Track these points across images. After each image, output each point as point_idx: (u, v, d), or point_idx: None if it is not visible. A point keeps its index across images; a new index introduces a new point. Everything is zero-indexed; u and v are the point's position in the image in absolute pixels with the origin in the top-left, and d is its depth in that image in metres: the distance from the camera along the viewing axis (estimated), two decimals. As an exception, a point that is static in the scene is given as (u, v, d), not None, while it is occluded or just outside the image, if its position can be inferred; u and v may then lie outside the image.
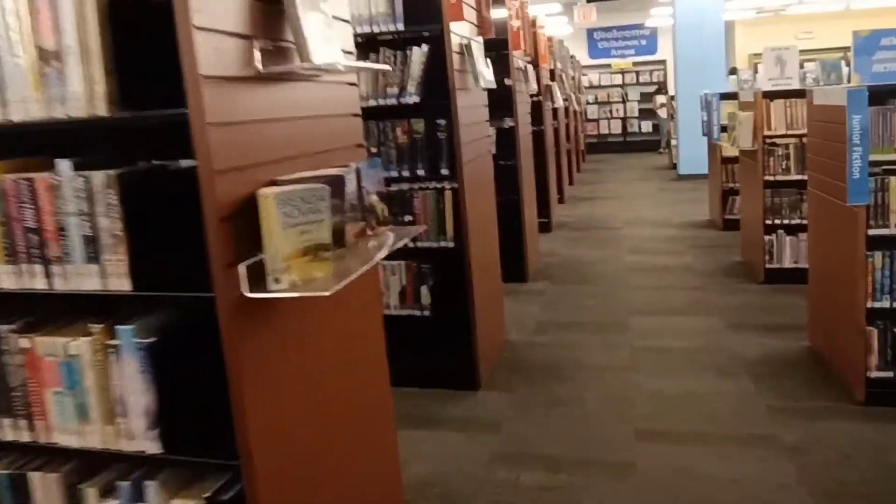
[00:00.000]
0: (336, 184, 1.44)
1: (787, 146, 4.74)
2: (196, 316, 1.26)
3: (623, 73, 16.51)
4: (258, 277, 1.29)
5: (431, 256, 3.41)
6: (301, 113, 1.58)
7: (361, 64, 1.72)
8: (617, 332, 4.10)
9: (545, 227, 7.20)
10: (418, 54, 3.20)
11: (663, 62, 16.15)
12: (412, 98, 3.21)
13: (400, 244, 1.86)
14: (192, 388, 1.34)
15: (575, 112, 12.35)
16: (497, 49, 5.19)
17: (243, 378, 1.26)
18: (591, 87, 16.57)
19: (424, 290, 3.39)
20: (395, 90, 3.24)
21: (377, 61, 3.24)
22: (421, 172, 3.31)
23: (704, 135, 7.28)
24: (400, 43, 3.34)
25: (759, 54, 16.54)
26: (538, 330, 4.25)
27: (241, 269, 1.26)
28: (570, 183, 10.59)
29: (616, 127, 16.60)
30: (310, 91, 1.65)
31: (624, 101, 16.49)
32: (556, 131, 8.88)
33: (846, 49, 14.39)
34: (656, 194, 9.51)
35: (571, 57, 12.70)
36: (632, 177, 11.70)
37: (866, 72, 3.05)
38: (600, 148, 16.33)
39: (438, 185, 3.33)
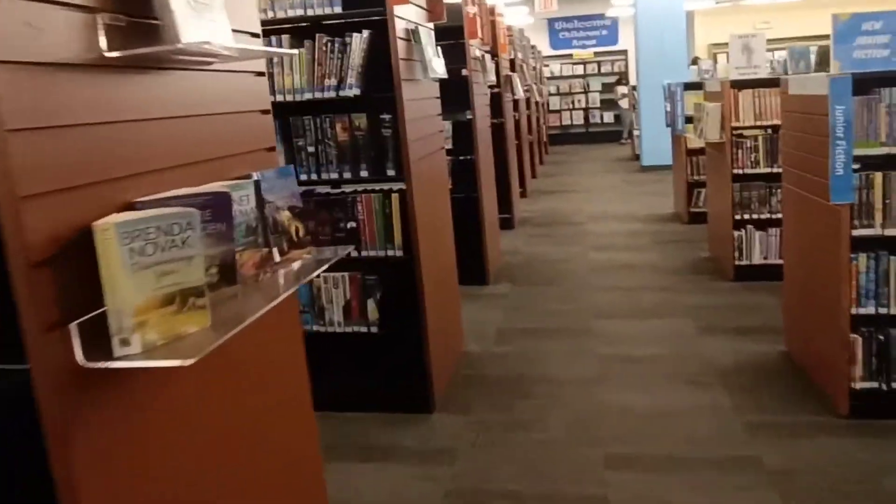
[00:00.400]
0: (216, 204, 1.10)
1: (755, 138, 4.52)
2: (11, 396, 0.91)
3: (585, 63, 16.33)
4: (105, 338, 0.95)
5: (378, 266, 3.08)
6: (180, 110, 1.23)
7: (249, 47, 1.37)
8: (582, 339, 3.83)
9: (507, 224, 6.92)
10: (358, 41, 2.85)
11: (624, 52, 16.02)
12: (353, 90, 2.87)
13: (320, 270, 1.53)
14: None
15: (537, 103, 12.10)
16: (452, 37, 4.87)
17: (81, 483, 0.91)
18: (553, 77, 16.36)
19: (371, 304, 3.05)
20: (334, 82, 2.89)
21: (312, 49, 2.88)
22: (364, 173, 2.97)
23: (668, 126, 7.08)
24: (339, 29, 2.99)
25: (719, 44, 16.49)
26: (499, 339, 3.96)
27: (74, 329, 0.91)
28: (533, 176, 10.34)
29: (578, 118, 16.43)
30: (195, 82, 1.30)
31: (586, 92, 16.32)
32: (518, 123, 8.60)
33: (803, 39, 14.47)
34: (620, 187, 9.31)
35: (532, 47, 12.44)
36: (595, 169, 11.51)
37: (846, 59, 2.81)
38: (563, 139, 16.14)
39: (384, 187, 2.99)
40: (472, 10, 4.74)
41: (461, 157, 5.11)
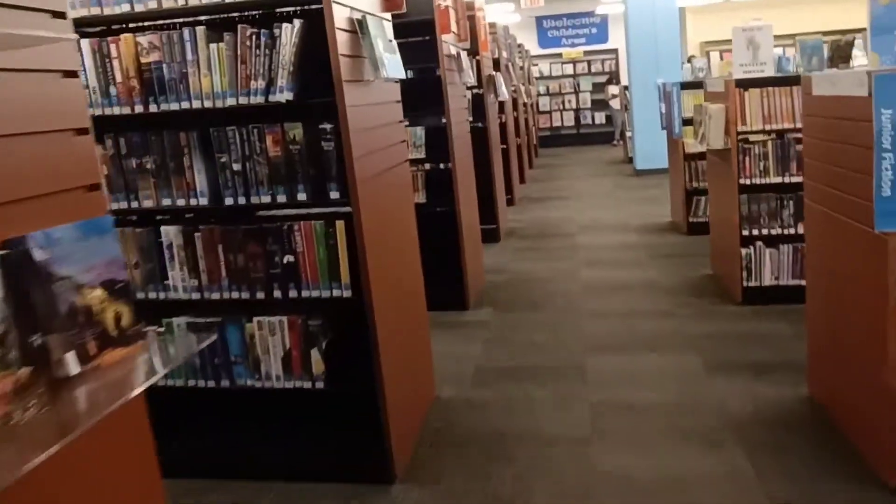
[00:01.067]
0: None
1: (764, 144, 4.01)
2: None
3: (574, 62, 15.85)
4: None
5: (323, 309, 2.54)
6: None
7: (21, 32, 0.83)
8: (572, 381, 3.31)
9: (492, 236, 6.40)
10: (290, 34, 2.32)
11: (615, 51, 15.54)
12: (284, 94, 2.33)
13: (159, 376, 0.99)
14: None
15: (525, 104, 11.59)
16: (421, 32, 4.34)
17: None
18: (542, 77, 15.86)
19: (315, 354, 2.52)
20: (262, 84, 2.35)
21: (234, 43, 2.34)
22: (302, 196, 2.43)
23: (663, 129, 6.57)
24: (267, 19, 2.45)
25: (712, 42, 16.04)
26: (477, 380, 3.43)
27: None
28: (522, 181, 9.83)
29: (569, 119, 15.94)
30: None
31: (576, 92, 15.83)
32: (504, 126, 8.09)
33: (798, 36, 14.04)
34: (613, 193, 8.81)
35: (519, 46, 11.92)
36: (587, 172, 11.01)
37: (887, 51, 2.30)
38: (554, 141, 15.64)
39: (327, 212, 2.46)
40: (443, 1, 4.21)
41: (437, 167, 4.60)
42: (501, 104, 7.84)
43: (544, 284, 4.96)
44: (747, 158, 4.01)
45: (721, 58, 15.06)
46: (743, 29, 4.18)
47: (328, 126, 2.36)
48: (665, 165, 8.22)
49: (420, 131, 4.31)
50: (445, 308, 4.47)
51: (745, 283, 4.13)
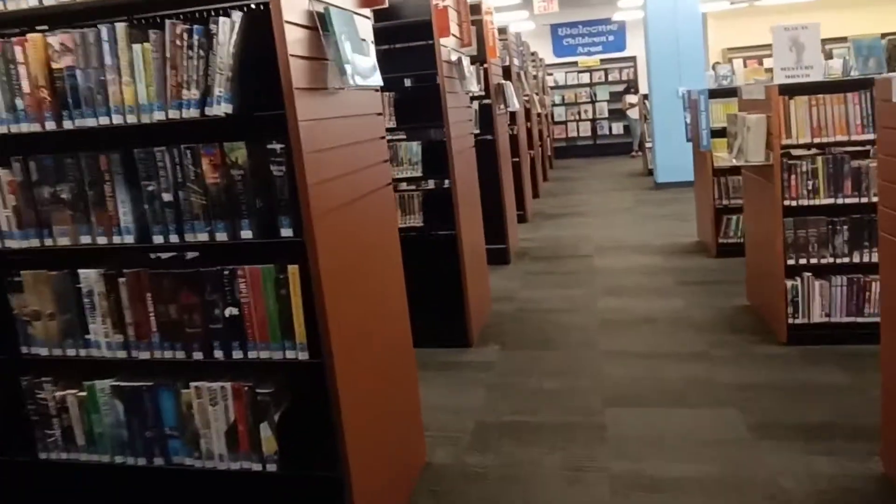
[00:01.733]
0: None
1: (813, 160, 3.47)
2: None
3: (591, 71, 15.32)
4: None
5: (275, 374, 2.04)
6: None
7: None
8: (588, 444, 2.77)
9: (501, 258, 5.88)
10: (228, 30, 1.83)
11: (633, 59, 15.01)
12: (223, 106, 1.84)
13: None
14: None
15: (539, 115, 11.09)
16: (418, 36, 3.87)
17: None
18: (558, 87, 15.36)
19: (266, 429, 2.01)
20: (196, 93, 1.87)
21: (161, 43, 1.86)
22: (248, 234, 1.94)
23: (689, 141, 6.04)
24: (202, 14, 1.98)
25: (735, 49, 15.45)
26: (477, 440, 2.90)
27: None
28: (535, 196, 9.32)
29: (585, 129, 15.40)
30: None
31: (593, 102, 15.30)
32: (516, 138, 7.59)
33: (826, 42, 13.41)
34: (633, 208, 8.25)
35: (533, 54, 11.44)
36: (604, 186, 10.45)
37: None
38: (569, 152, 15.11)
39: (278, 252, 1.96)
40: (443, 1, 3.72)
41: (437, 185, 4.10)
42: (512, 115, 7.35)
43: (558, 316, 4.43)
44: (793, 176, 3.47)
45: (745, 65, 14.51)
46: (785, 28, 3.64)
47: (278, 146, 1.86)
48: (688, 178, 7.65)
49: (416, 147, 3.82)
50: (445, 345, 3.97)
51: (790, 320, 3.57)
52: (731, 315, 4.15)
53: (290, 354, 1.95)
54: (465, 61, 4.01)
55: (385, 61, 4.13)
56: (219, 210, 1.93)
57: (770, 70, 12.13)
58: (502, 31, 7.16)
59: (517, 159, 7.66)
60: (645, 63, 9.89)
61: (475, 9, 5.44)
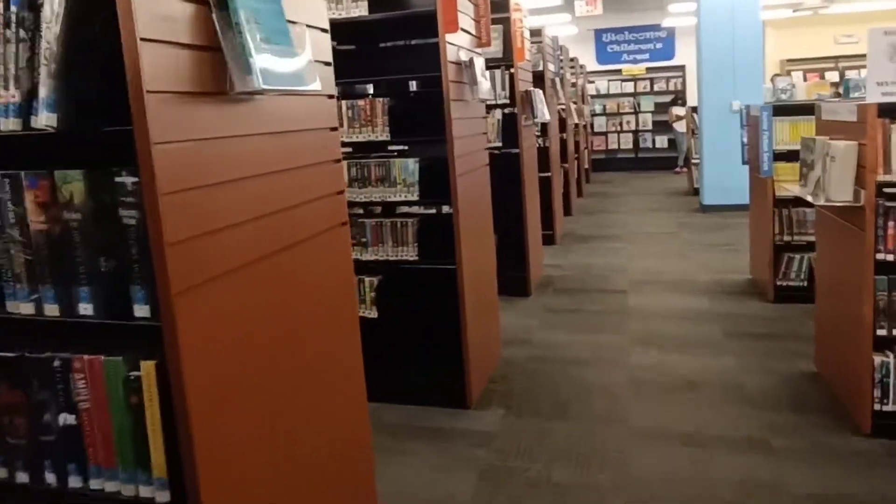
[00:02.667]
0: None
1: (918, 201, 2.68)
2: None
3: (635, 80, 14.44)
4: None
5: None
6: None
7: None
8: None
9: (520, 288, 5.18)
10: (54, 7, 1.19)
11: (682, 68, 14.09)
12: (44, 116, 1.19)
13: None
14: None
15: (577, 125, 10.32)
16: (417, 30, 3.21)
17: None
18: (599, 95, 14.52)
19: None
20: (15, 96, 1.22)
21: (-36, 18, 1.23)
22: (86, 309, 1.28)
23: (745, 163, 5.23)
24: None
25: (794, 60, 14.35)
26: (456, 560, 2.21)
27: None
28: (568, 213, 8.56)
29: (626, 141, 14.52)
30: None
31: (636, 113, 14.41)
32: (547, 151, 6.86)
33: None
34: (676, 233, 7.42)
35: (573, 60, 10.68)
36: (644, 205, 9.62)
37: None
38: (609, 165, 14.26)
39: (133, 337, 1.30)
40: (450, -12, 3.04)
41: (437, 210, 3.43)
42: (544, 126, 6.63)
43: (580, 370, 3.69)
44: (890, 223, 2.68)
45: (805, 78, 13.47)
46: (885, 32, 2.86)
47: (129, 180, 1.20)
48: (740, 202, 6.85)
49: (413, 164, 3.14)
50: (439, 403, 3.28)
51: (876, 406, 2.78)
52: (796, 385, 3.36)
53: (144, 491, 1.29)
54: (479, 63, 3.32)
55: (380, 60, 3.46)
56: (47, 270, 1.28)
57: (835, 84, 11.14)
58: (536, 32, 6.45)
59: (548, 174, 6.94)
60: (695, 73, 9.04)
61: (500, 5, 4.76)
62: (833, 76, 13.36)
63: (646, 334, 4.22)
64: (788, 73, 13.68)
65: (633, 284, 5.39)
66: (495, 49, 4.83)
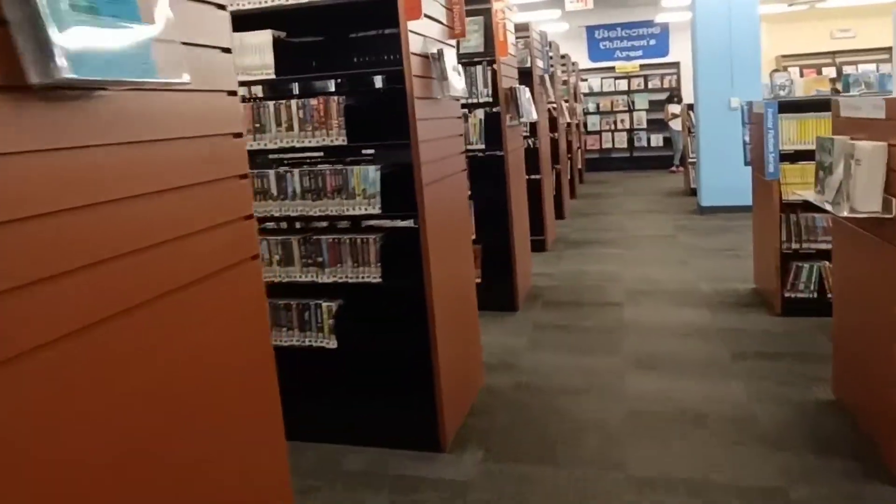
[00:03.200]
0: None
1: (960, 211, 2.28)
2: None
3: (629, 77, 14.06)
4: None
5: None
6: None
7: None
8: None
9: (507, 303, 4.78)
10: None
11: (676, 65, 13.71)
12: None
13: None
14: None
15: (570, 125, 9.92)
16: (376, 19, 2.80)
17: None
18: (592, 94, 14.13)
19: None
20: None
21: None
22: None
23: (748, 164, 4.83)
24: None
25: (790, 56, 13.96)
26: None
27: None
28: (560, 216, 8.16)
29: (621, 140, 14.14)
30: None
31: (630, 111, 14.03)
32: (536, 153, 6.47)
33: (888, 49, 11.94)
34: (673, 236, 7.03)
35: (564, 57, 10.28)
36: (640, 206, 9.23)
37: None
38: (603, 165, 13.88)
39: None
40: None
41: (404, 226, 3.02)
42: (533, 126, 6.23)
43: (571, 402, 3.29)
44: (929, 237, 2.28)
45: (801, 74, 13.10)
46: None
47: None
48: (740, 203, 6.49)
49: (373, 173, 2.73)
50: (409, 446, 2.87)
51: (913, 449, 2.38)
52: (814, 418, 2.95)
53: None
54: (450, 55, 2.91)
55: (342, 54, 3.05)
56: None
57: (834, 80, 10.75)
58: (523, 27, 6.05)
59: (538, 176, 6.55)
60: (690, 70, 8.66)
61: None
62: (830, 72, 13.01)
63: (644, 355, 3.81)
64: (784, 68, 13.32)
65: (629, 295, 4.98)
66: (475, 43, 4.43)
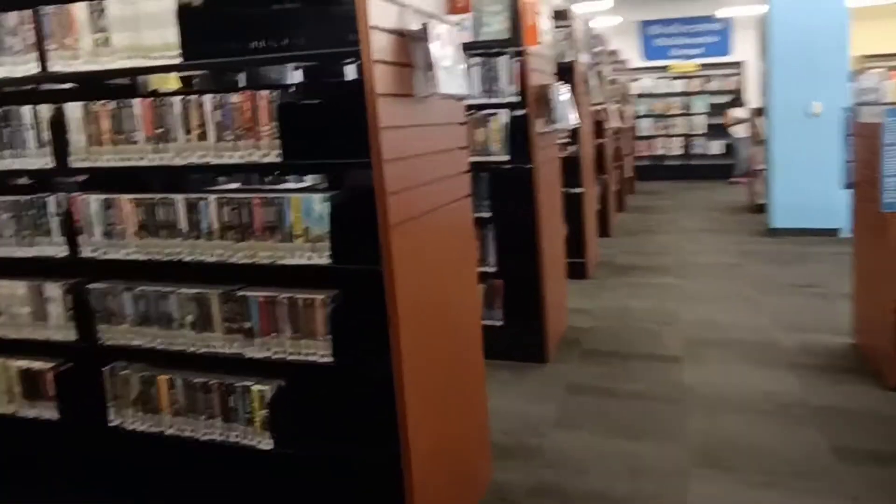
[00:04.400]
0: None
1: None
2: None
3: (687, 77, 12.86)
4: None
5: None
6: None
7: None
8: None
9: (535, 352, 3.87)
10: None
11: (739, 65, 12.45)
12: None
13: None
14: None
15: (619, 130, 8.88)
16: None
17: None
18: (645, 95, 12.99)
19: None
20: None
21: None
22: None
23: (848, 187, 3.77)
24: None
25: (872, 56, 12.51)
26: None
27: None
28: (605, 233, 7.16)
29: (676, 146, 12.95)
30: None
31: (687, 115, 12.83)
32: (576, 161, 5.53)
33: None
34: (740, 265, 5.94)
35: (613, 53, 9.24)
36: (697, 224, 8.12)
37: None
38: (654, 173, 12.70)
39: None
40: None
41: (358, 278, 2.11)
42: (573, 133, 5.27)
43: (608, 522, 2.34)
44: None
45: (889, 77, 11.67)
46: None
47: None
48: (820, 225, 5.41)
49: (320, 204, 1.84)
50: None
51: None
52: None
53: None
54: (443, 34, 1.99)
55: (266, 24, 2.15)
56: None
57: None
58: (562, 14, 5.10)
59: (579, 190, 5.59)
60: (756, 71, 7.53)
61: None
62: (926, 74, 11.57)
63: (714, 444, 2.82)
64: (866, 70, 11.94)
65: (688, 346, 3.98)
66: (498, 28, 3.51)
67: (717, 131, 12.35)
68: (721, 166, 12.25)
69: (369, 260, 1.84)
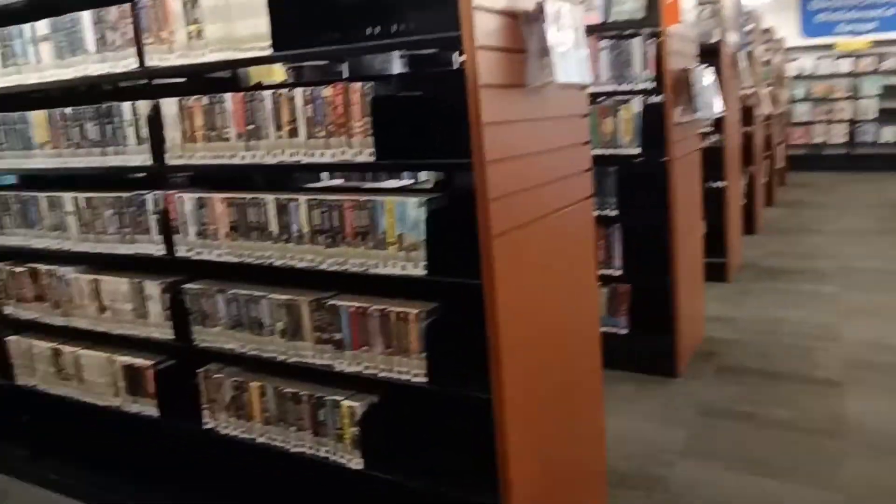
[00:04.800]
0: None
1: None
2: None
3: (855, 56, 11.42)
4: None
5: None
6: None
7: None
8: None
9: (664, 365, 3.52)
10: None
11: (922, 39, 10.86)
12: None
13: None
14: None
15: (770, 116, 8.01)
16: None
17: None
18: (803, 77, 11.70)
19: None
20: None
21: None
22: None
23: None
24: None
25: None
26: None
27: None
28: (750, 230, 6.48)
29: (838, 133, 11.57)
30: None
31: (853, 98, 11.41)
32: (719, 152, 4.99)
33: None
34: (916, 273, 5.12)
35: (766, 31, 8.32)
36: (861, 223, 7.15)
37: None
38: (810, 163, 11.43)
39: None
40: None
41: (457, 293, 1.90)
42: (718, 122, 4.74)
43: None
44: None
45: None
46: None
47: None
48: None
49: (415, 209, 1.65)
50: None
51: None
52: None
53: None
54: (562, 14, 1.71)
55: (362, 12, 1.96)
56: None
57: None
58: (712, -12, 4.57)
59: (723, 183, 5.06)
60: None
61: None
62: None
63: (877, 496, 2.35)
64: None
65: (849, 369, 3.42)
66: (631, 7, 3.15)
67: (890, 116, 10.88)
68: (892, 156, 10.79)
69: (470, 273, 1.63)
